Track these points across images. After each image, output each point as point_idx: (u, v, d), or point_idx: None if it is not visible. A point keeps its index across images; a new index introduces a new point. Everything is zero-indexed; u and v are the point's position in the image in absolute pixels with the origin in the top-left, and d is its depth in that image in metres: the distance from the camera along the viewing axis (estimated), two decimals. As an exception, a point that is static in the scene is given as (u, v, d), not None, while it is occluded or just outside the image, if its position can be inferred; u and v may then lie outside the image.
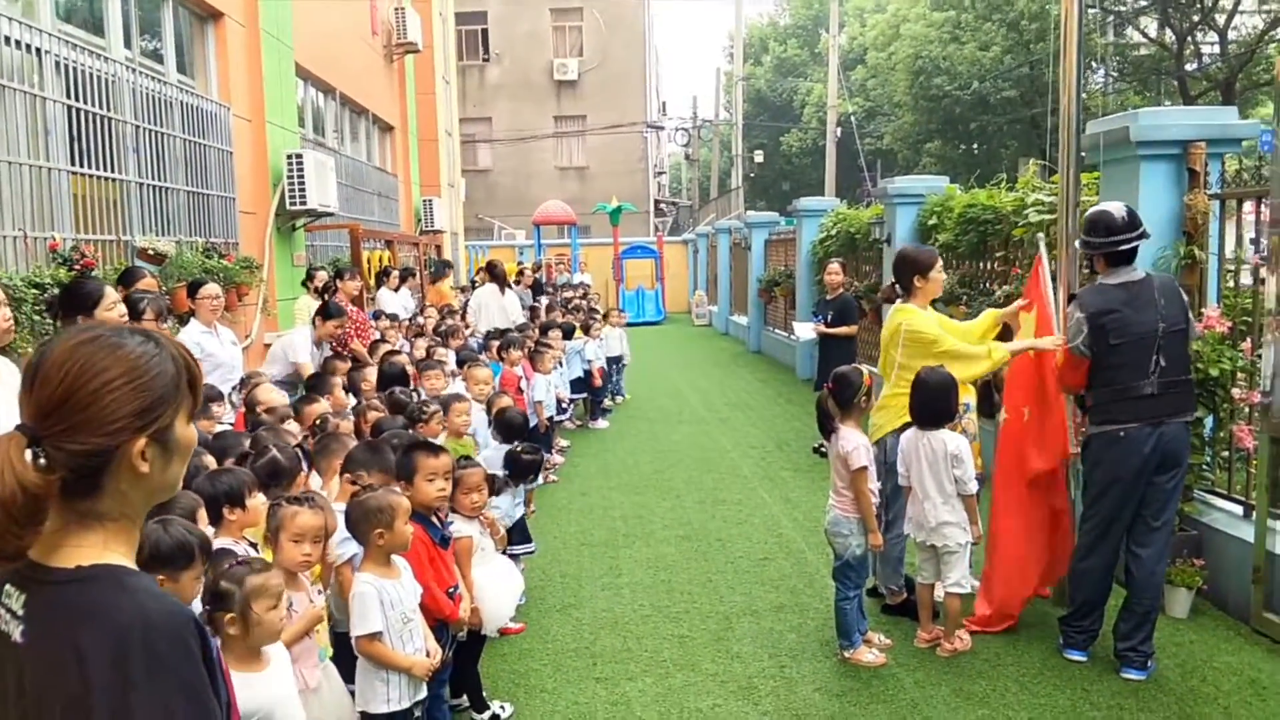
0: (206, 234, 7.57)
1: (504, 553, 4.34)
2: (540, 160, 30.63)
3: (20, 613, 1.22)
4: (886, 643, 4.42)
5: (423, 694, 3.10)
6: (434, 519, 3.50)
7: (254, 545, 3.09)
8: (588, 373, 9.94)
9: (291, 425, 4.38)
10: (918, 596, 4.56)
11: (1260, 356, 4.48)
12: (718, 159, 39.70)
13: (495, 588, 3.84)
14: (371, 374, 5.84)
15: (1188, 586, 4.59)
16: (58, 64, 5.79)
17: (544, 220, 23.01)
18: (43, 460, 1.18)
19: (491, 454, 5.12)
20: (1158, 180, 4.95)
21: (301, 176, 8.64)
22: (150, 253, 6.32)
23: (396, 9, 14.33)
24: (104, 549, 1.24)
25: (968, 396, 4.91)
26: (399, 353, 6.77)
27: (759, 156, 40.72)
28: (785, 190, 41.23)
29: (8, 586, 1.25)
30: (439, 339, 8.08)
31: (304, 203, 8.68)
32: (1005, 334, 5.00)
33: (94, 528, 1.25)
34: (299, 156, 8.70)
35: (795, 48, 46.28)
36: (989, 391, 5.71)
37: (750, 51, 44.47)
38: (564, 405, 8.76)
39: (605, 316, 11.53)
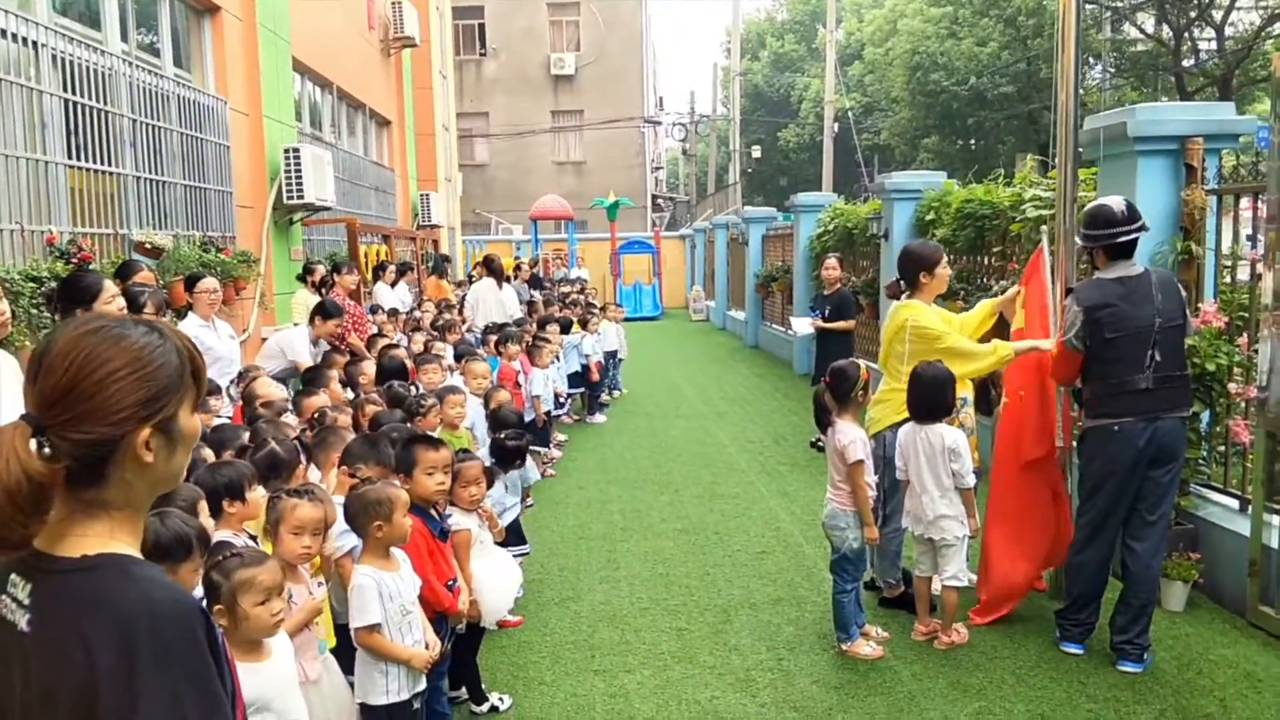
0: (204, 228, 7.57)
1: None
2: (537, 155, 30.60)
3: (26, 602, 1.23)
4: (884, 635, 4.44)
5: (422, 686, 3.11)
6: (433, 512, 3.51)
7: (254, 538, 3.09)
8: (585, 367, 9.95)
9: (290, 418, 4.39)
10: (915, 589, 4.58)
11: (1256, 351, 4.49)
12: (715, 154, 39.64)
13: (494, 581, 3.85)
14: (369, 368, 5.86)
15: (1184, 580, 4.61)
16: (54, 57, 5.77)
17: (541, 215, 22.96)
18: (47, 449, 1.19)
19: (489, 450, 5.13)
20: (1155, 176, 4.97)
21: (299, 171, 8.63)
22: (147, 246, 6.32)
23: (393, 3, 14.32)
24: (110, 538, 1.25)
25: (965, 391, 4.92)
26: (397, 346, 6.77)
27: (756, 152, 40.70)
28: (783, 185, 41.20)
29: (14, 576, 1.25)
30: (436, 333, 8.07)
31: (301, 197, 8.69)
32: (1001, 323, 5.02)
33: (99, 517, 1.25)
34: (296, 151, 8.68)
35: (792, 43, 46.26)
36: (986, 389, 5.72)
37: (747, 47, 44.45)
38: (561, 400, 8.77)
39: (603, 311, 11.53)
